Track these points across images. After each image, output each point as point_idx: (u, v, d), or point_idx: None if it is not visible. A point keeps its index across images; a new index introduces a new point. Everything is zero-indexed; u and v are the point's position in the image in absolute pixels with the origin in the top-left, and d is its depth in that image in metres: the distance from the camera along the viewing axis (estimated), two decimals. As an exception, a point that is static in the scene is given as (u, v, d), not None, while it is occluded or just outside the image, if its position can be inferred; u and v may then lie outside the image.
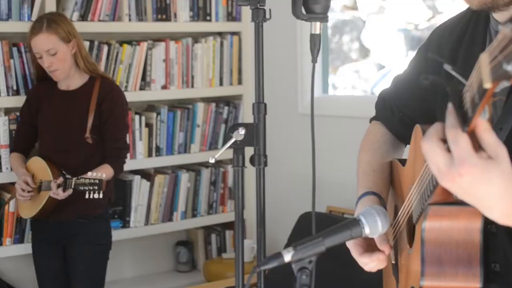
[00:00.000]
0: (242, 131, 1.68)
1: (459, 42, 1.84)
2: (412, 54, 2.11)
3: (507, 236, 1.61)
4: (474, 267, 1.57)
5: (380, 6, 4.63)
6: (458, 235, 1.56)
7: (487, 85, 1.17)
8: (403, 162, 1.97)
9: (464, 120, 1.29)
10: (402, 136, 2.09)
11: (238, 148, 1.70)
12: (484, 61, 1.19)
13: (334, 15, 4.85)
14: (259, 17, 1.67)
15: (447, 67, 1.36)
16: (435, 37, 1.96)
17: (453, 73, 1.35)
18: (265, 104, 1.69)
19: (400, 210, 1.87)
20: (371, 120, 2.22)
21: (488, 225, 1.57)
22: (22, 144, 3.99)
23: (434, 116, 1.85)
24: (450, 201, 1.48)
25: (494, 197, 1.30)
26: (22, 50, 4.11)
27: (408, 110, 2.04)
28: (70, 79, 3.87)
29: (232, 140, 1.68)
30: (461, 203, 1.40)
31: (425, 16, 4.38)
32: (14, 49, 4.09)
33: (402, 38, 4.51)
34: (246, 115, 4.87)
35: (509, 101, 1.60)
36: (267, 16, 1.68)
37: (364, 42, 4.78)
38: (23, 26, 4.02)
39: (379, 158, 2.08)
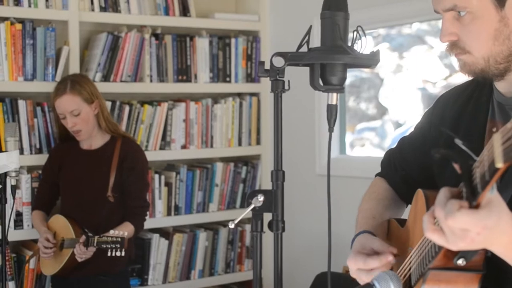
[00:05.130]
0: (260, 197, 1.72)
1: (462, 110, 1.90)
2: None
3: None
4: None
5: (397, 65, 4.70)
6: None
7: (499, 165, 1.23)
8: (401, 222, 2.02)
9: (473, 194, 1.35)
10: (403, 194, 2.15)
11: (256, 214, 1.74)
12: (497, 141, 1.25)
13: (352, 73, 4.91)
14: (278, 88, 1.74)
15: (458, 142, 1.43)
16: (440, 103, 2.04)
17: (463, 147, 1.41)
18: (283, 172, 1.74)
19: (398, 270, 1.91)
20: (376, 175, 2.28)
21: None
22: (43, 202, 4.05)
23: (434, 178, 1.92)
24: (450, 266, 1.53)
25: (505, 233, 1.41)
26: (46, 109, 4.19)
27: (411, 171, 2.10)
28: (92, 139, 3.95)
29: (251, 206, 1.72)
30: (460, 269, 1.47)
31: (442, 74, 4.43)
32: (38, 109, 4.18)
33: (419, 96, 4.56)
34: (264, 175, 4.92)
35: (508, 172, 1.67)
36: (286, 87, 1.75)
37: (382, 100, 4.84)
38: (47, 86, 4.12)
39: (380, 208, 2.12)
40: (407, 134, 2.21)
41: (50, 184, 4.02)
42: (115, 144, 3.92)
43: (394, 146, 2.24)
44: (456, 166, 1.41)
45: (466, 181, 1.38)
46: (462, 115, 1.91)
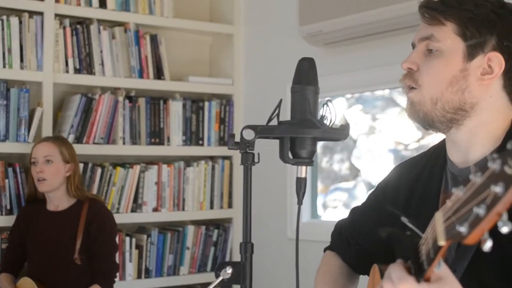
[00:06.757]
0: (229, 270, 1.72)
1: (416, 181, 1.94)
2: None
3: None
4: None
5: (370, 127, 4.72)
6: None
7: (441, 243, 1.28)
8: None
9: (420, 270, 1.39)
10: (358, 268, 2.15)
11: (225, 285, 1.74)
12: (438, 220, 1.29)
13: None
14: (248, 161, 1.75)
15: (404, 220, 1.46)
16: (394, 174, 2.07)
17: (410, 225, 1.45)
18: (252, 244, 1.74)
19: None
20: (325, 249, 2.27)
21: None
22: (11, 264, 4.00)
23: (390, 249, 1.93)
24: None
25: None
26: (18, 170, 4.17)
27: (364, 242, 2.10)
28: (58, 200, 3.93)
29: (220, 279, 1.72)
30: None
31: (415, 137, 4.46)
32: (10, 170, 4.16)
33: (392, 158, 4.58)
34: (236, 238, 4.91)
35: (462, 245, 1.69)
36: (256, 160, 1.76)
37: (355, 161, 4.86)
38: (20, 147, 4.12)
39: None
40: (359, 204, 2.22)
41: (17, 245, 3.98)
42: (82, 206, 3.90)
43: (345, 217, 2.25)
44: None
45: (413, 258, 1.43)
46: (415, 186, 1.93)
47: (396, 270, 1.47)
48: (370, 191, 2.19)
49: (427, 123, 1.81)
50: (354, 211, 2.20)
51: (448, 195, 1.79)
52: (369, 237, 2.08)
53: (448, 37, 1.77)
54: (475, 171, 1.17)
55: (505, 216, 1.12)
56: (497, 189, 1.11)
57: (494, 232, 1.17)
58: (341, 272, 2.16)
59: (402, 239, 1.46)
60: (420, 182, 1.92)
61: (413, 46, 1.85)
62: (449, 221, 1.24)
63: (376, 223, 2.02)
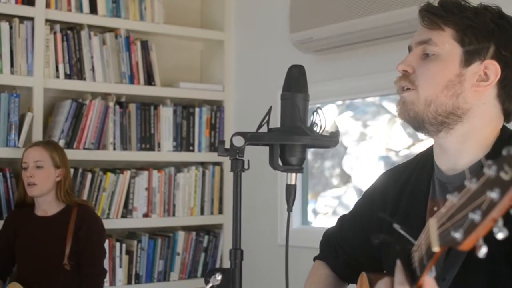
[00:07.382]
0: (218, 276, 1.72)
1: (403, 189, 1.94)
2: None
3: None
4: None
5: (361, 133, 4.73)
6: None
7: (436, 249, 1.27)
8: None
9: (413, 278, 1.40)
10: (346, 277, 2.16)
11: (214, 292, 1.74)
12: (432, 226, 1.29)
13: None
14: (238, 167, 1.75)
15: (397, 227, 1.46)
16: (381, 182, 2.07)
17: (402, 232, 1.45)
18: (242, 251, 1.74)
19: None
20: (315, 258, 2.28)
21: None
22: (-1, 269, 4.00)
23: (378, 258, 1.93)
24: None
25: None
26: (8, 175, 4.16)
27: (353, 252, 2.11)
28: (47, 205, 3.92)
29: (209, 285, 1.72)
30: None
31: (406, 143, 4.46)
32: (0, 174, 4.16)
33: (382, 164, 4.58)
34: (226, 244, 4.91)
35: (451, 254, 1.70)
36: (246, 166, 1.76)
37: (345, 168, 4.86)
38: (10, 152, 4.11)
39: None
40: (347, 213, 2.22)
41: (5, 250, 3.96)
42: (71, 211, 3.89)
43: (333, 226, 2.25)
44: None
45: (405, 264, 1.41)
46: (403, 193, 1.94)
47: (399, 275, 1.46)
48: (358, 198, 2.19)
49: (416, 123, 1.81)
50: (342, 219, 2.21)
51: (435, 202, 1.79)
52: (356, 245, 2.09)
53: (446, 42, 1.78)
54: (470, 177, 1.17)
55: (500, 222, 1.11)
56: (493, 195, 1.10)
57: (484, 238, 1.17)
58: (329, 282, 2.17)
59: (395, 246, 1.46)
60: (407, 189, 1.93)
61: (410, 49, 1.86)
62: (443, 227, 1.24)
63: (364, 231, 2.03)
